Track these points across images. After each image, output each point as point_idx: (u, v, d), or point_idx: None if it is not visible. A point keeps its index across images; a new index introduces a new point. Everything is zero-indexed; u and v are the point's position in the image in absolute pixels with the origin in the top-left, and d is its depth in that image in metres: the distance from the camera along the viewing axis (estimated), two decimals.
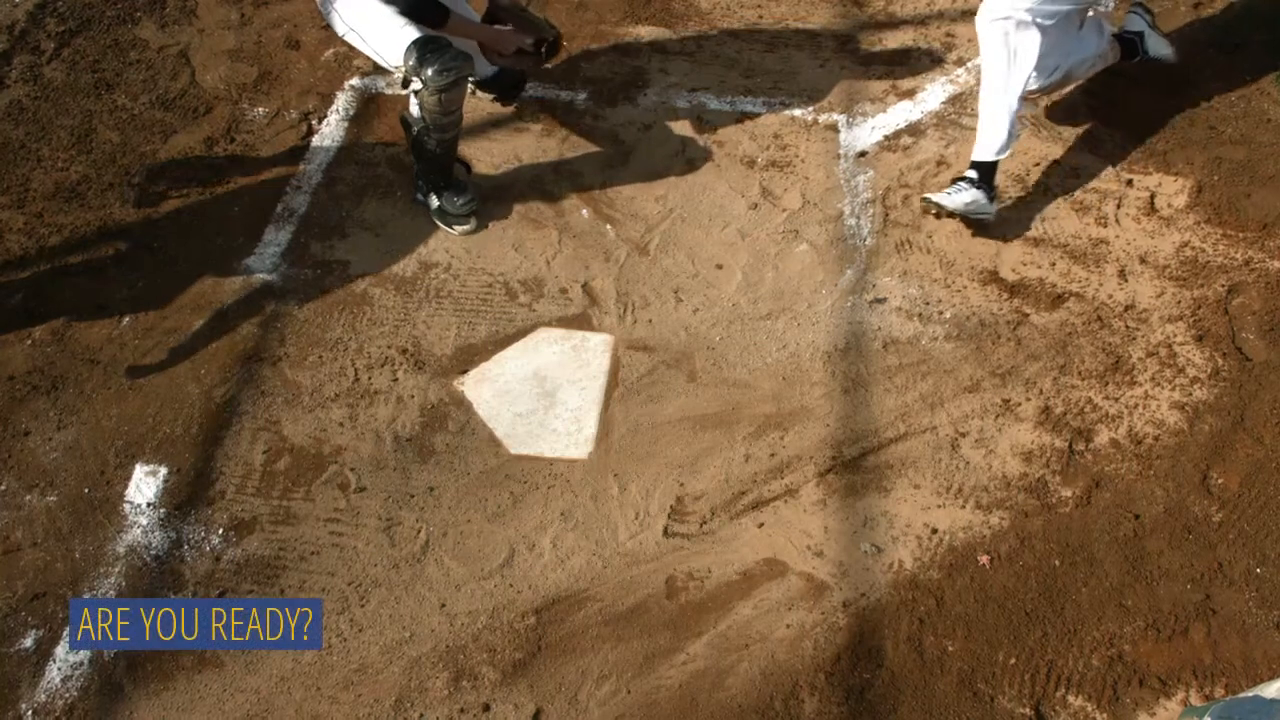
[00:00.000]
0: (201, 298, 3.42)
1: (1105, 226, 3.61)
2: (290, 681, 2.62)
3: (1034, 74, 3.50)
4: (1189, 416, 3.09)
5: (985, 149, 3.55)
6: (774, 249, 3.60)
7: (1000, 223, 3.62)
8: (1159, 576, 2.77)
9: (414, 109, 3.43)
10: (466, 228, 3.63)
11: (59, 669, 2.63)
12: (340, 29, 3.49)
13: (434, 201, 3.63)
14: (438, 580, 2.80)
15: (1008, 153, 3.56)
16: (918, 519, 2.91)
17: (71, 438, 3.06)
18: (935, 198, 3.54)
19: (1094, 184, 3.73)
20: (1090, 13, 3.67)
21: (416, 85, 3.33)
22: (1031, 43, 3.44)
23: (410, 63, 3.30)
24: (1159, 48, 3.93)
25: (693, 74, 4.21)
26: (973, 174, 3.55)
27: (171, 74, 4.20)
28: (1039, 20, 3.40)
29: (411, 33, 3.34)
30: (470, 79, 3.90)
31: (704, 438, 3.10)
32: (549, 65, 3.92)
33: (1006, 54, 3.46)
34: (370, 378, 3.23)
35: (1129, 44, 3.89)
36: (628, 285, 3.50)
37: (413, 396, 3.19)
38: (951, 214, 3.56)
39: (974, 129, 3.86)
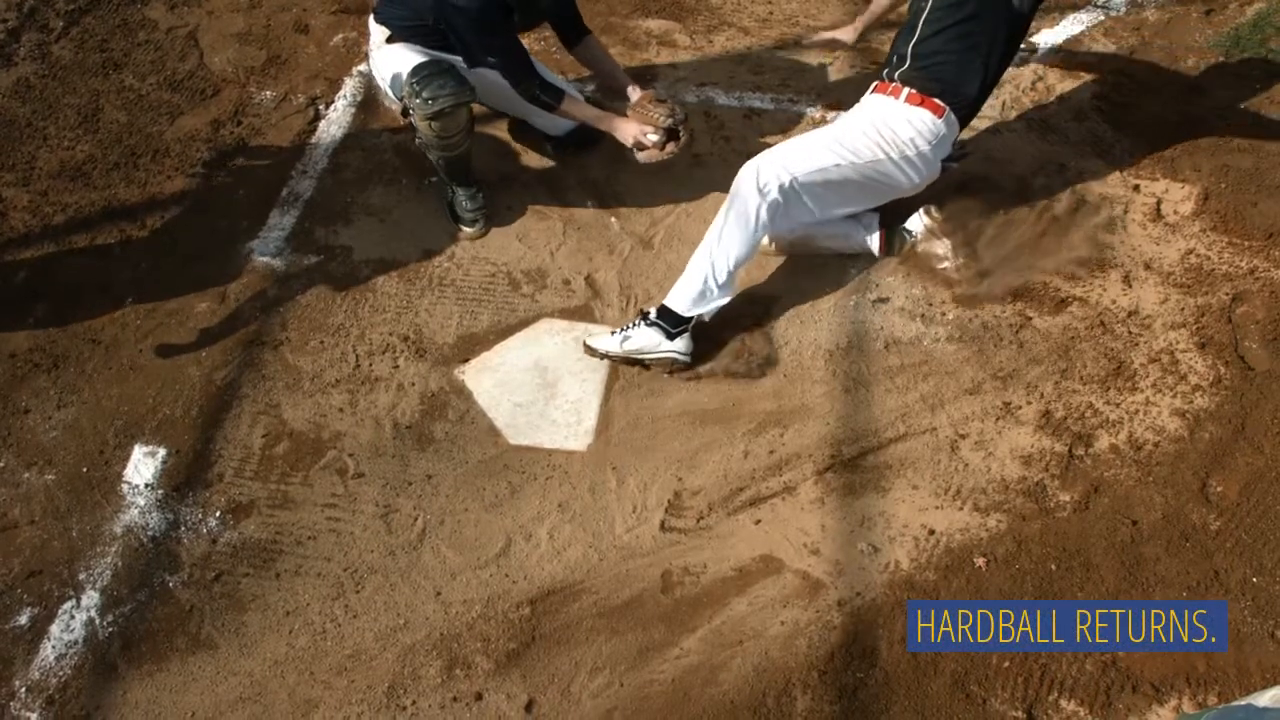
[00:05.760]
0: (204, 280, 3.42)
1: (1111, 232, 3.60)
2: (284, 665, 2.62)
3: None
4: (1189, 424, 3.08)
5: (680, 300, 3.13)
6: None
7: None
8: (1155, 583, 2.76)
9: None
10: (473, 231, 3.59)
11: (54, 647, 2.63)
12: (378, 77, 3.48)
13: (448, 194, 3.61)
14: (434, 568, 2.80)
15: (698, 314, 3.14)
16: (915, 520, 2.90)
17: (71, 416, 3.07)
18: (593, 342, 3.17)
19: (1100, 189, 3.72)
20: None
21: (412, 111, 3.26)
22: (783, 218, 3.16)
23: (406, 89, 3.22)
24: (935, 253, 3.45)
25: (701, 69, 4.20)
26: (652, 312, 3.15)
27: (180, 55, 4.19)
28: (804, 197, 3.13)
29: (416, 59, 3.27)
30: (550, 136, 3.77)
31: (703, 433, 3.10)
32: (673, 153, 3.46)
33: (753, 220, 3.10)
34: (371, 364, 3.23)
35: (900, 239, 3.49)
36: (631, 278, 3.49)
37: (413, 384, 3.19)
38: (607, 357, 3.18)
39: (979, 130, 3.86)
